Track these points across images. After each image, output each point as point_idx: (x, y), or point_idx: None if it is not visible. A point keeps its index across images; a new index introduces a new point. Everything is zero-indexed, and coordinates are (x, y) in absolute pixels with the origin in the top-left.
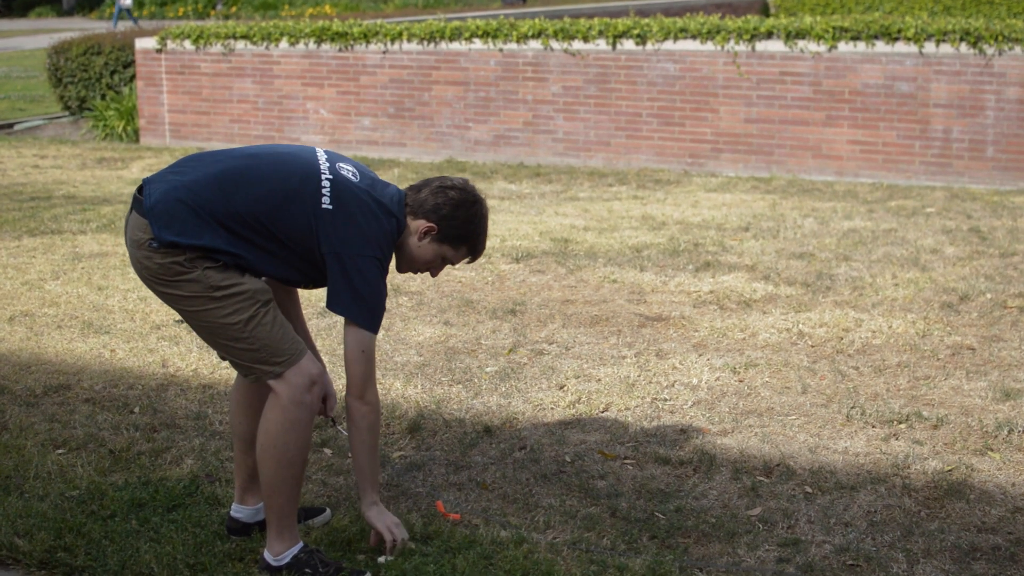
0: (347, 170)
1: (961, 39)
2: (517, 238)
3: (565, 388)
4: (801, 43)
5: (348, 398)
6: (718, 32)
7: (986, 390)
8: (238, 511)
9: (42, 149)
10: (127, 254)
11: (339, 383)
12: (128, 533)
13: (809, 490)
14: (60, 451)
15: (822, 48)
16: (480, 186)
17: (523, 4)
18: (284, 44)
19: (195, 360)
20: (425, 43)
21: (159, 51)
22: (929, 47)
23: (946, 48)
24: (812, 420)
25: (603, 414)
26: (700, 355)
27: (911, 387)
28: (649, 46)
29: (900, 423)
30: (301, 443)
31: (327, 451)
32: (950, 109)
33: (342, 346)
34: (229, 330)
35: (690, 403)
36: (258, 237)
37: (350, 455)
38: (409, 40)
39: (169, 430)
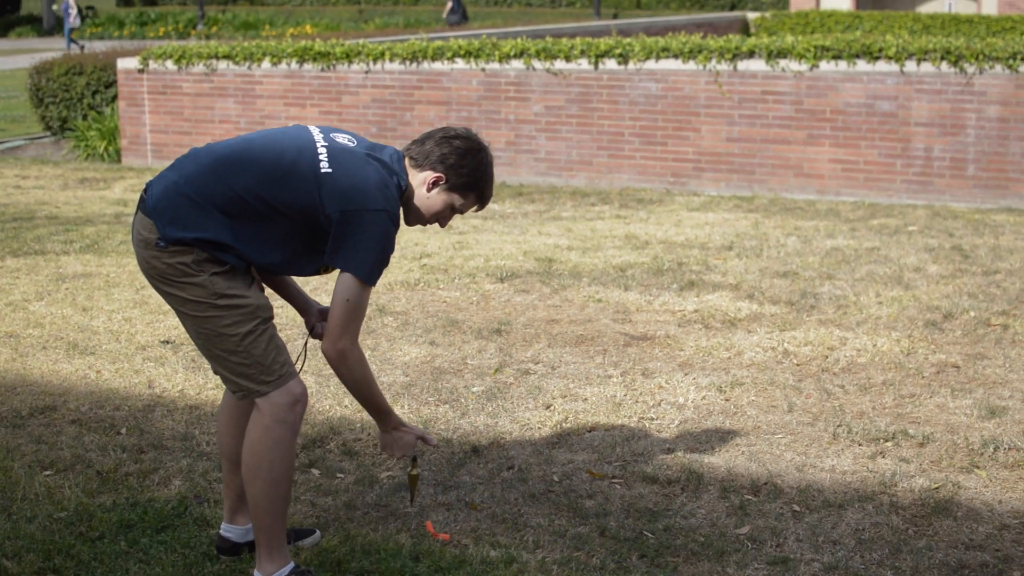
0: (343, 138)
1: (942, 58)
2: (501, 258)
3: (552, 408)
4: (783, 62)
5: (323, 344)
6: (700, 51)
7: (971, 408)
8: (228, 531)
9: (24, 169)
10: (111, 275)
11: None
12: (117, 554)
13: (797, 508)
14: (47, 472)
15: (803, 67)
16: None
17: (466, 22)
18: (266, 64)
19: (181, 381)
20: (407, 63)
21: (141, 71)
22: (910, 66)
23: (927, 67)
24: (799, 439)
25: (590, 433)
26: (686, 374)
27: (897, 405)
28: (631, 65)
29: (886, 441)
30: (286, 461)
31: (315, 471)
32: (931, 128)
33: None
34: (226, 341)
35: (677, 422)
36: (262, 219)
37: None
38: (391, 60)
39: (156, 451)
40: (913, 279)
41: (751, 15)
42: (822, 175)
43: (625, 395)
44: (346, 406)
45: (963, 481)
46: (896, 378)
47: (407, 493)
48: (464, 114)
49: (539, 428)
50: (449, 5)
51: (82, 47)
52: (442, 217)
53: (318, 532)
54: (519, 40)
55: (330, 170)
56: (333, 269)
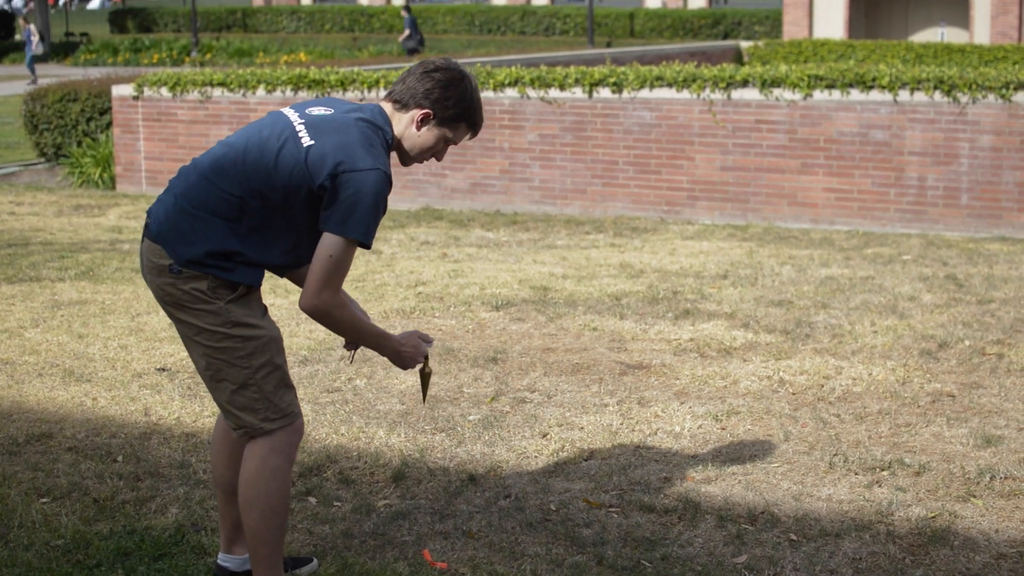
0: (319, 109)
1: (935, 87)
2: (496, 286)
3: (548, 436)
4: (776, 91)
5: (301, 300)
6: (694, 80)
7: (967, 437)
8: (226, 560)
9: (18, 196)
10: (106, 302)
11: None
12: None
13: (794, 537)
14: (44, 500)
15: (797, 96)
16: (457, 234)
17: (423, 49)
18: (261, 91)
19: (178, 408)
20: None
21: (136, 98)
22: (903, 95)
23: (920, 96)
24: (795, 467)
25: (587, 462)
26: (682, 403)
27: (892, 434)
28: (625, 94)
29: (883, 470)
30: (283, 491)
31: (312, 500)
32: (924, 157)
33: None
34: (237, 373)
35: (673, 451)
36: (262, 214)
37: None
38: (386, 88)
39: (153, 479)
40: (908, 308)
41: (744, 44)
42: (816, 204)
43: (621, 423)
44: (342, 434)
45: (959, 510)
46: (892, 407)
47: (404, 522)
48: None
49: (536, 457)
50: (407, 32)
51: (34, 81)
52: (437, 151)
53: (315, 561)
54: (514, 68)
55: (312, 142)
56: None
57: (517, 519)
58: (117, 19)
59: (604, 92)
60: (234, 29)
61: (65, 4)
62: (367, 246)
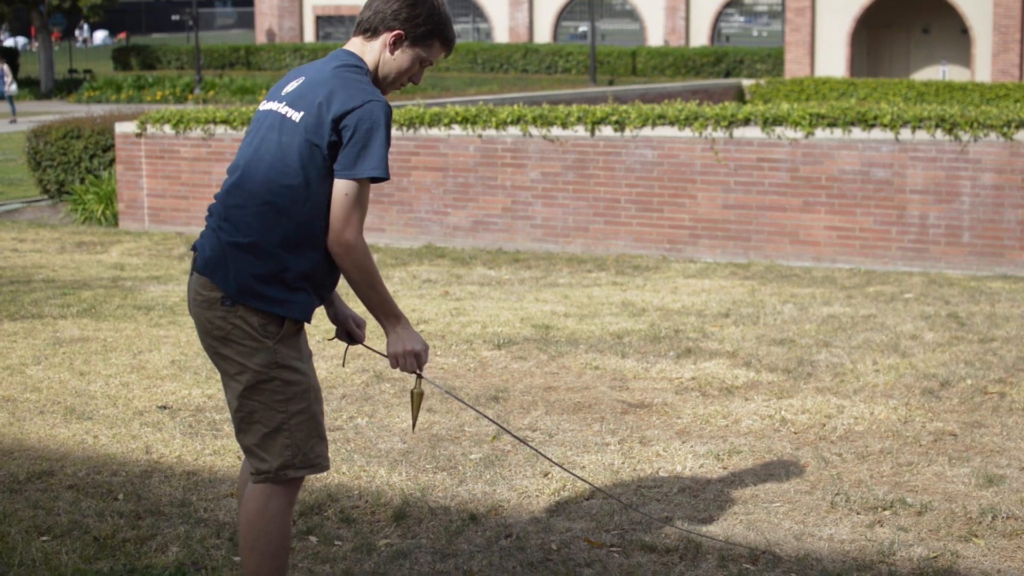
0: (293, 84)
1: (937, 125)
2: (498, 324)
3: (549, 475)
4: (778, 130)
5: (327, 239)
6: (696, 119)
7: (969, 476)
8: None
9: (21, 232)
10: (108, 339)
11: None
12: None
13: None
14: (44, 538)
15: (799, 135)
16: (459, 272)
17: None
18: None
19: (179, 447)
20: (404, 128)
21: (139, 135)
22: (905, 133)
23: (922, 135)
24: (797, 507)
25: (588, 502)
26: (683, 442)
27: (894, 473)
28: (627, 132)
29: (884, 510)
30: (283, 532)
31: (313, 539)
32: (926, 195)
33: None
34: (274, 417)
35: (675, 490)
36: (292, 213)
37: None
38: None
39: (154, 517)
40: (910, 347)
41: (746, 82)
42: (818, 242)
43: (623, 463)
44: (343, 473)
45: (961, 550)
46: (893, 446)
47: (405, 561)
48: (461, 179)
49: (537, 496)
50: None
51: (14, 120)
52: (413, 74)
53: None
54: (516, 106)
55: (302, 112)
56: None
57: (518, 558)
58: (121, 56)
59: (606, 130)
60: (237, 67)
61: (72, 40)
62: (385, 178)
